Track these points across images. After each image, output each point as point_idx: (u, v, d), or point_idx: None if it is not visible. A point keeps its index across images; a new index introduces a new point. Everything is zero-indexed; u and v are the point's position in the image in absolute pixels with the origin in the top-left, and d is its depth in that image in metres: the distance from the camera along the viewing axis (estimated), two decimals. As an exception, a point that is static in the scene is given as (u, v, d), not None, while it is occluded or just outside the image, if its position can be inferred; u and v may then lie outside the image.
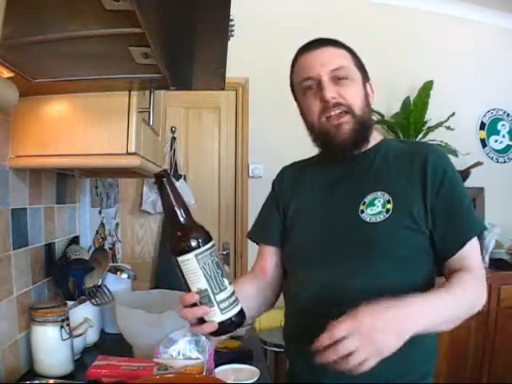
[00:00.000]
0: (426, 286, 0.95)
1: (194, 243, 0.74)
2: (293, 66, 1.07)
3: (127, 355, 1.28)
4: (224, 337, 0.83)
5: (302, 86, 1.02)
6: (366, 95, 1.04)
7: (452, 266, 0.96)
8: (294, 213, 1.10)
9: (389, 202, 0.96)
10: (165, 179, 0.76)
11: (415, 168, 0.98)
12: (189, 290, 0.75)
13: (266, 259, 1.13)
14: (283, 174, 1.19)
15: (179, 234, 0.75)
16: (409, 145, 1.11)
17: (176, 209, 0.76)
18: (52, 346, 1.19)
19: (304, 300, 1.02)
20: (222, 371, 1.26)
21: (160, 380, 0.89)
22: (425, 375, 0.98)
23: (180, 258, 0.74)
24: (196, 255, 0.73)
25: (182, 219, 0.76)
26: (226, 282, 0.76)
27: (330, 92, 0.98)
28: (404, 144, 1.10)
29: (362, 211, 0.98)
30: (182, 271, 0.75)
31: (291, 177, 1.16)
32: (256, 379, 1.25)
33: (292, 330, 1.09)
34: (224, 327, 0.76)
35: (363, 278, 0.94)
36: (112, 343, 1.53)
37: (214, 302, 0.75)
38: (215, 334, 0.77)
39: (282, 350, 2.52)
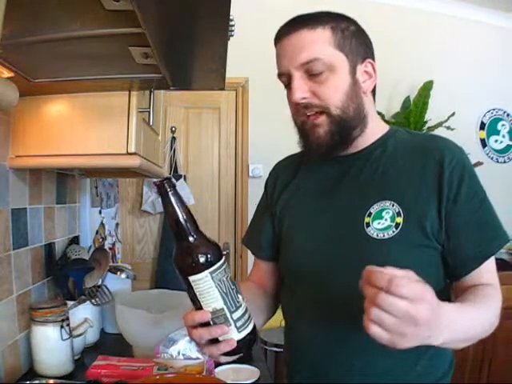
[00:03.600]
0: None
1: (208, 260, 0.66)
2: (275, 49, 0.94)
3: (127, 355, 1.28)
4: (235, 357, 0.74)
5: (281, 82, 0.91)
6: (355, 83, 0.87)
7: (468, 283, 0.84)
8: (290, 222, 0.98)
9: (399, 214, 0.83)
10: (170, 190, 0.67)
11: (429, 170, 0.85)
12: (200, 310, 0.68)
13: (262, 271, 1.06)
14: (275, 174, 1.07)
15: (189, 251, 0.67)
16: (419, 138, 0.94)
17: (184, 223, 0.67)
18: (52, 346, 1.19)
19: (303, 324, 0.93)
20: (222, 371, 1.26)
21: (160, 380, 0.88)
22: None
23: (192, 278, 0.66)
24: (211, 273, 0.66)
25: (191, 234, 0.68)
26: (240, 297, 0.70)
27: (300, 92, 0.85)
28: (413, 137, 0.94)
29: (368, 224, 0.85)
30: (194, 292, 0.67)
31: (284, 178, 1.03)
32: (256, 379, 1.25)
33: (293, 354, 0.99)
34: (241, 346, 0.70)
35: None
36: (112, 343, 1.53)
37: (231, 321, 0.68)
38: (231, 353, 0.71)
39: (282, 350, 2.52)
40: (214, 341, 0.70)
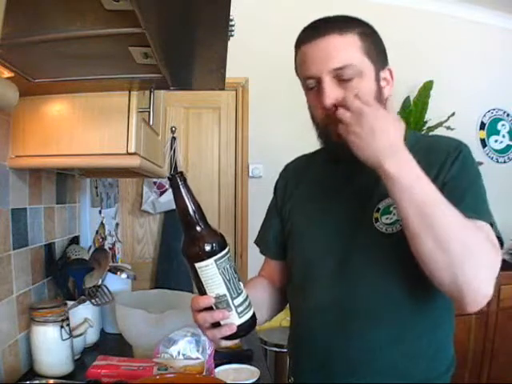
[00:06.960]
0: (442, 301, 0.88)
1: (213, 248, 0.72)
2: (295, 53, 0.94)
3: (127, 355, 1.28)
4: (235, 341, 0.80)
5: (305, 85, 0.92)
6: (379, 89, 0.89)
7: None
8: (300, 221, 1.01)
9: None
10: (181, 183, 0.74)
11: (433, 164, 0.86)
12: (204, 295, 0.74)
13: (272, 268, 1.10)
14: (286, 175, 1.10)
15: (197, 239, 0.73)
16: (425, 140, 0.97)
17: (193, 214, 0.74)
18: (52, 346, 1.19)
19: (313, 319, 0.95)
20: (222, 371, 1.26)
21: (160, 380, 0.89)
22: None
23: (198, 264, 0.72)
24: (216, 260, 0.72)
25: (199, 224, 0.74)
26: (242, 285, 0.76)
27: (331, 97, 0.85)
28: (419, 139, 0.96)
29: (377, 219, 0.88)
30: (199, 278, 0.73)
31: (295, 178, 1.06)
32: (256, 379, 1.25)
33: (299, 347, 1.01)
34: (241, 330, 0.75)
35: (378, 294, 0.88)
36: (112, 343, 1.53)
37: (232, 307, 0.74)
38: (231, 337, 0.76)
39: (282, 350, 2.52)
40: (217, 325, 0.75)
